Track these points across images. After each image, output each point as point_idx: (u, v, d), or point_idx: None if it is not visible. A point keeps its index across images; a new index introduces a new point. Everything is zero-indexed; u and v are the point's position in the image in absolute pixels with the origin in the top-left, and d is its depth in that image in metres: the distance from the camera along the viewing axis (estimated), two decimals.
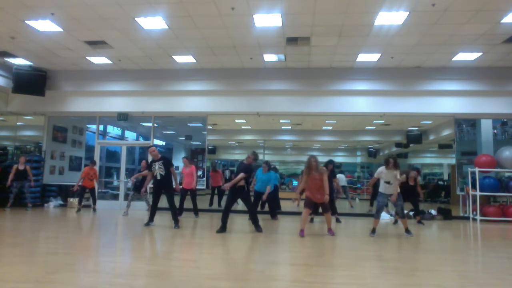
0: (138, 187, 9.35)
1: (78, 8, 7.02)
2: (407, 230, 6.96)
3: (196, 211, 9.35)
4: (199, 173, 11.28)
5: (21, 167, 10.21)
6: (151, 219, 7.56)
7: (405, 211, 7.38)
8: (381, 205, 7.00)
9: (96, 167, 10.67)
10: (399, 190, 6.86)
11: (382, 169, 6.88)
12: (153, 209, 7.56)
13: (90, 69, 10.84)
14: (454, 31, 7.77)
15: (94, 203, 10.40)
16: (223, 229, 6.84)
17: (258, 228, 7.01)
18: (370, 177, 11.90)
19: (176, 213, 7.55)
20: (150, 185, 9.12)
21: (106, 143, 13.31)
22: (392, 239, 6.81)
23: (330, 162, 8.95)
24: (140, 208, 10.38)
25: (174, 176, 7.53)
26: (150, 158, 7.90)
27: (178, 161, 12.56)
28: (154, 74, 10.83)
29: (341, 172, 11.36)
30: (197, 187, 9.48)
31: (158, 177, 7.35)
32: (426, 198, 11.10)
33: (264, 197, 8.77)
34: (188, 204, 9.46)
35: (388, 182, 6.80)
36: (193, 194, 9.31)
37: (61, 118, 12.22)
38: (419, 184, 9.13)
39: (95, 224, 8.36)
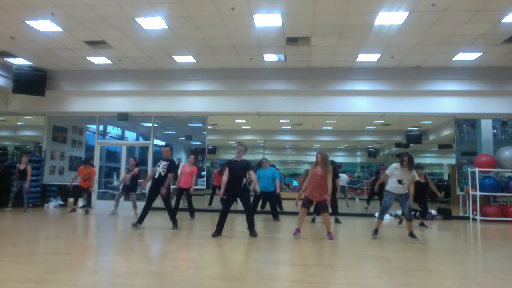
0: (128, 188, 9.29)
1: (78, 8, 7.02)
2: (411, 234, 6.48)
3: (192, 212, 9.03)
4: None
5: (22, 167, 10.00)
6: (140, 220, 7.21)
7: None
8: (387, 205, 6.53)
9: (95, 167, 10.61)
10: (407, 191, 6.49)
11: (396, 166, 6.43)
12: (145, 210, 7.21)
13: (90, 69, 10.84)
14: (454, 31, 7.77)
15: (88, 204, 10.14)
16: (218, 232, 6.53)
17: (253, 233, 6.60)
18: (370, 177, 11.91)
19: (173, 214, 7.42)
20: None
21: (106, 143, 13.32)
22: (392, 239, 6.81)
23: (331, 163, 8.92)
24: (129, 207, 9.87)
25: (169, 180, 7.25)
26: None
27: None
28: (154, 74, 10.82)
29: (343, 172, 11.37)
30: (196, 187, 9.36)
31: (156, 176, 7.22)
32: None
33: (278, 190, 8.77)
34: (184, 204, 9.28)
35: (400, 181, 6.38)
36: (189, 195, 8.99)
37: (61, 118, 12.21)
38: (430, 182, 8.52)
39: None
